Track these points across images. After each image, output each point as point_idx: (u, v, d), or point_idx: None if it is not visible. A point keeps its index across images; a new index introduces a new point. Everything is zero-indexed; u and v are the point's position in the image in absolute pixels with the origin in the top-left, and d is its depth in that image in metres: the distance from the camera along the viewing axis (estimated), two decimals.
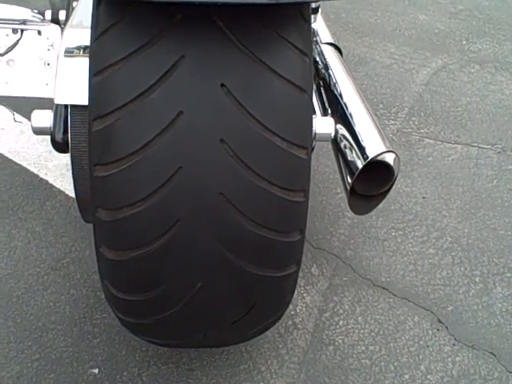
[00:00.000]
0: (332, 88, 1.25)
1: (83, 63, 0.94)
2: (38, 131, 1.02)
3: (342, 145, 1.12)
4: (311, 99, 0.81)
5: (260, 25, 0.76)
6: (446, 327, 1.33)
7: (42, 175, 1.59)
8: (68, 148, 1.03)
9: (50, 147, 1.06)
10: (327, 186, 1.68)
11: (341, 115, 1.16)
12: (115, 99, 0.74)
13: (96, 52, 0.78)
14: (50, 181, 1.58)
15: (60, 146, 1.05)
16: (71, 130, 0.96)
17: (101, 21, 0.78)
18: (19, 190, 1.54)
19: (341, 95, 1.21)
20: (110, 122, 0.74)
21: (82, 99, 0.90)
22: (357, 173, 1.06)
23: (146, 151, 0.73)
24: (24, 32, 1.17)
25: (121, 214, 0.76)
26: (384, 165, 1.08)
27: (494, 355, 1.27)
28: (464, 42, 2.58)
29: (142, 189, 0.74)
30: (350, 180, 1.09)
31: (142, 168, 0.74)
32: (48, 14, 1.49)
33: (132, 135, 0.74)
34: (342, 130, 1.14)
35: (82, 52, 0.98)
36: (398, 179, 1.77)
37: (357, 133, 1.11)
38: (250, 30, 0.75)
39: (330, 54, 1.37)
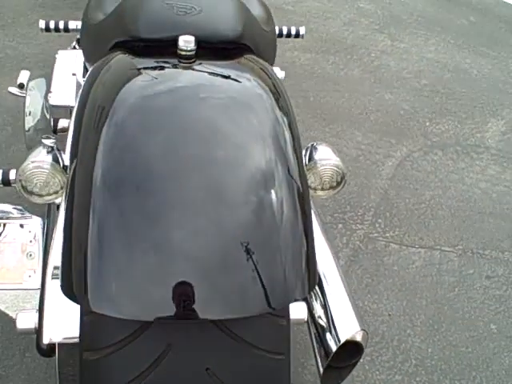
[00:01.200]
0: None
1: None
2: (22, 332, 1.09)
3: (315, 325, 1.20)
4: (289, 356, 0.91)
5: None
6: None
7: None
8: (53, 353, 1.10)
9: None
10: None
11: (319, 297, 1.23)
12: None
13: (87, 333, 0.86)
14: None
15: (44, 352, 1.12)
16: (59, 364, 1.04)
17: None
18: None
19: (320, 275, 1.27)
20: None
21: (72, 335, 0.96)
22: (330, 356, 1.14)
23: None
24: (6, 226, 1.25)
25: None
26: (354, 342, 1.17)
27: None
28: (427, 124, 2.70)
29: None
30: (323, 361, 1.17)
31: None
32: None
33: None
34: (316, 309, 1.21)
35: None
36: (365, 295, 1.87)
37: (331, 312, 1.19)
38: None
39: None
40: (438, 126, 2.70)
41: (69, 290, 0.82)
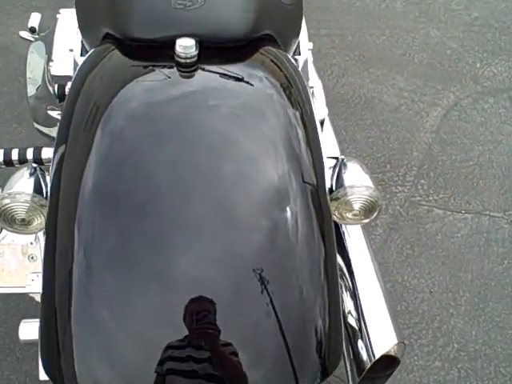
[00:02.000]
0: (347, 265, 1.16)
1: None
2: (26, 343, 1.01)
3: (348, 335, 1.08)
4: None
5: None
6: None
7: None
8: None
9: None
10: None
11: (353, 299, 1.10)
12: None
13: None
14: None
15: None
16: None
17: None
18: (14, 320, 1.53)
19: (355, 276, 1.13)
20: None
21: None
22: (363, 374, 1.03)
23: None
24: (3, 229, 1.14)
25: None
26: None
27: None
28: (478, 65, 2.44)
29: None
30: (354, 378, 1.06)
31: None
32: None
33: None
34: (349, 316, 1.08)
35: None
36: (405, 269, 1.73)
37: (366, 322, 1.06)
38: None
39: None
40: (489, 67, 2.44)
41: (55, 374, 0.71)
